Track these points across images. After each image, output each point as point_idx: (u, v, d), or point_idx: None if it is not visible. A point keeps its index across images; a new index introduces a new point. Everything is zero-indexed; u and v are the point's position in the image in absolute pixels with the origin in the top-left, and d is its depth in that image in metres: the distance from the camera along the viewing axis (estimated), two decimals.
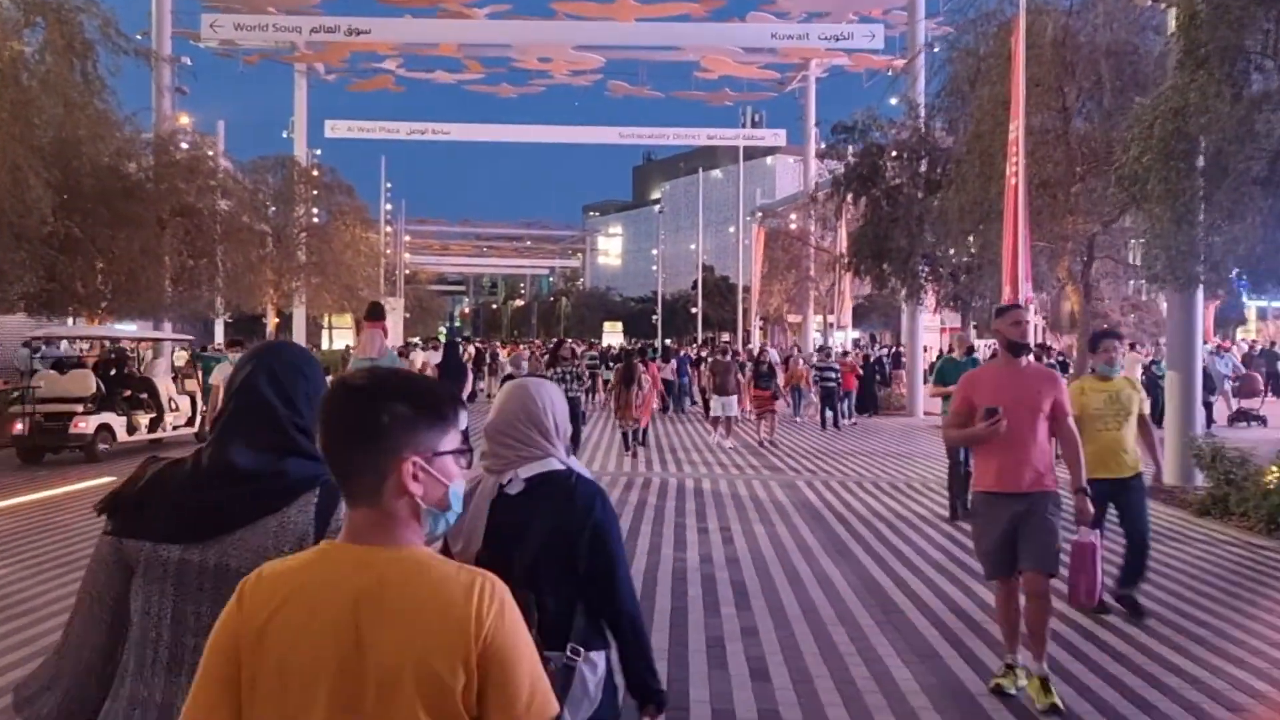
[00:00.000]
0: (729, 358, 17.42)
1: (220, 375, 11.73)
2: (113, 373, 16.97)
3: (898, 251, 21.63)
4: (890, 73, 26.79)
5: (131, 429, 16.00)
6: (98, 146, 19.26)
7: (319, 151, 38.51)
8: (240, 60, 35.19)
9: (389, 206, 59.24)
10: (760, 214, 60.48)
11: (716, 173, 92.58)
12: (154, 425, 16.55)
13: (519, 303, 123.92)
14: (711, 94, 39.26)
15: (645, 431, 16.94)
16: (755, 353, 19.59)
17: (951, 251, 20.64)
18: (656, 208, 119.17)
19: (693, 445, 17.30)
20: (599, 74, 36.72)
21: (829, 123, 41.10)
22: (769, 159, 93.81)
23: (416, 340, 54.25)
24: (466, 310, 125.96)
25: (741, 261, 52.60)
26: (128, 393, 16.48)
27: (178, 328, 29.80)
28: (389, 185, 57.04)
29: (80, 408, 15.02)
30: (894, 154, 23.06)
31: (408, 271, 71.92)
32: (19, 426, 14.79)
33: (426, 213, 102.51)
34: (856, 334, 43.05)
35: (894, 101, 25.95)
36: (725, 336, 63.40)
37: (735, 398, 16.37)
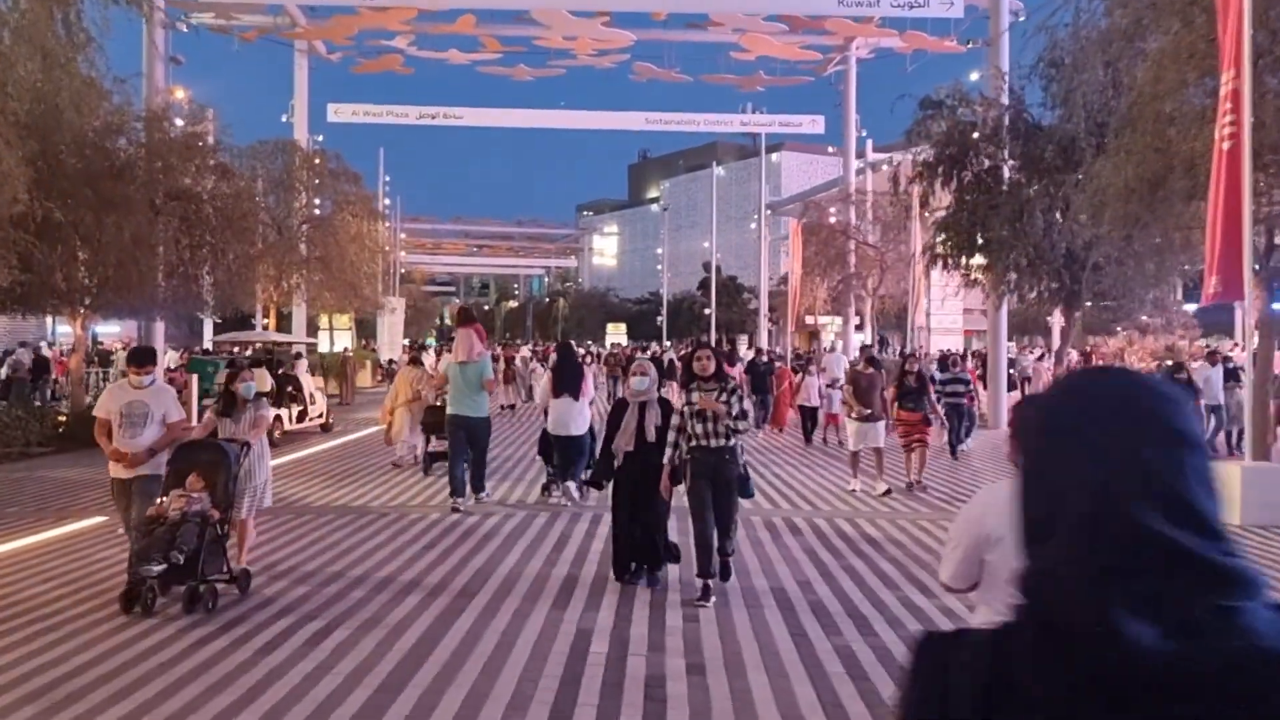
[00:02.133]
0: (873, 368, 12.60)
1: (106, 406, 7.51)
2: (279, 371, 19.40)
3: (998, 242, 18.93)
4: (971, 45, 24.19)
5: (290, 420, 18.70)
6: (82, 116, 16.38)
7: (320, 137, 35.58)
8: (236, 38, 32.26)
9: (387, 201, 56.29)
10: (770, 212, 58.05)
11: (719, 170, 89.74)
12: (300, 417, 19.13)
13: (512, 304, 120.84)
14: (744, 78, 36.58)
15: None
16: (902, 360, 15.64)
17: (1071, 240, 17.99)
18: (655, 206, 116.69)
19: (818, 487, 12.62)
20: (625, 54, 33.94)
21: (867, 109, 38.89)
22: (774, 155, 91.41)
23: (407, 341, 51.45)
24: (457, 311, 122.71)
25: (763, 259, 50.02)
26: (289, 388, 19.18)
27: (168, 328, 26.99)
28: (387, 179, 54.08)
29: (263, 401, 16.29)
30: (976, 134, 20.41)
31: (403, 271, 69.14)
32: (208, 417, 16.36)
33: (416, 210, 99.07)
34: (865, 337, 40.43)
35: (975, 77, 23.39)
36: (745, 339, 60.77)
37: (883, 423, 12.34)
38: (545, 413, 11.59)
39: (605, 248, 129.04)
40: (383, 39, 33.20)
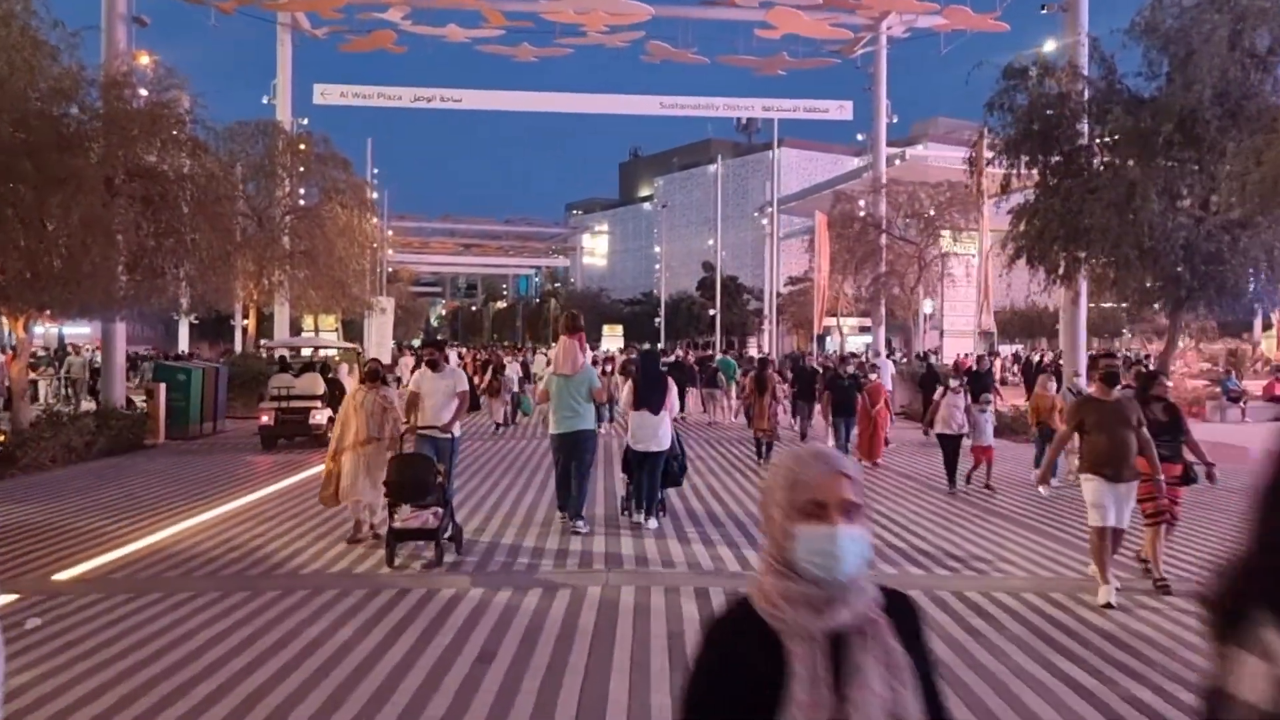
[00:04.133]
0: (1121, 388, 8.10)
1: None
2: (329, 375, 19.99)
3: (1099, 233, 16.23)
4: (1046, 10, 21.51)
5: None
6: (17, 72, 13.51)
7: (305, 120, 32.59)
8: (214, 10, 29.31)
9: (374, 195, 53.16)
10: (769, 210, 55.44)
11: (717, 167, 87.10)
12: None
13: (501, 304, 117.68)
14: (764, 59, 33.88)
15: (772, 446, 15.44)
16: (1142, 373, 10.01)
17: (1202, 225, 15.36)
18: (647, 205, 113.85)
19: (977, 548, 9.01)
20: (640, 31, 31.15)
21: (894, 93, 36.23)
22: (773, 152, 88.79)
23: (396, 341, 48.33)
24: (444, 311, 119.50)
25: (769, 258, 47.45)
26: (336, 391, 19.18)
27: (133, 329, 24.06)
28: (375, 171, 51.01)
29: (318, 404, 17.99)
30: (1053, 111, 17.75)
31: (390, 270, 66.17)
32: (265, 419, 17.84)
33: (403, 207, 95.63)
34: (867, 340, 37.82)
35: (1052, 46, 20.76)
36: (752, 342, 58.14)
37: (1136, 483, 7.44)
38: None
39: (596, 247, 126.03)
40: (374, 13, 30.29)
